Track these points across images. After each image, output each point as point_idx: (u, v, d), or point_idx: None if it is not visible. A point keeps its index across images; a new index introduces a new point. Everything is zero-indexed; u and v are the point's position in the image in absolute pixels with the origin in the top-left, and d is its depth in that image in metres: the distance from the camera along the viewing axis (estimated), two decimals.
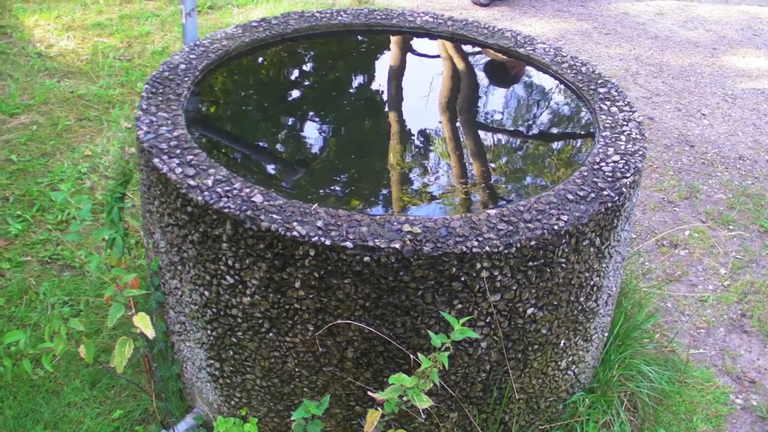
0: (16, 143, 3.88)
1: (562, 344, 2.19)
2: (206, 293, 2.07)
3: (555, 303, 2.06)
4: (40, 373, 2.61)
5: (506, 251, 1.87)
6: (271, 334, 2.02)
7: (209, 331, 2.14)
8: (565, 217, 1.96)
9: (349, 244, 1.81)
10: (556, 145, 2.52)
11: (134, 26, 5.38)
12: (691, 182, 4.05)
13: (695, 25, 6.34)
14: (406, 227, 1.87)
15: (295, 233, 1.84)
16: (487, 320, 1.97)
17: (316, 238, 1.83)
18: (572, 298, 2.10)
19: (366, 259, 1.82)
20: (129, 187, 3.38)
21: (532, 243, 1.89)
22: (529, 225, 1.92)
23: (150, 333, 1.97)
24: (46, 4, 5.57)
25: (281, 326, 1.99)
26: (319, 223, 1.87)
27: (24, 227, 3.32)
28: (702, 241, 3.58)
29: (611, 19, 6.37)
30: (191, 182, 1.98)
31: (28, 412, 2.50)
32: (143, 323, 1.97)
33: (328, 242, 1.82)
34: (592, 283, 2.14)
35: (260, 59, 2.81)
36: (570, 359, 2.27)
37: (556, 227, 1.93)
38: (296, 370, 2.06)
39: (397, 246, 1.81)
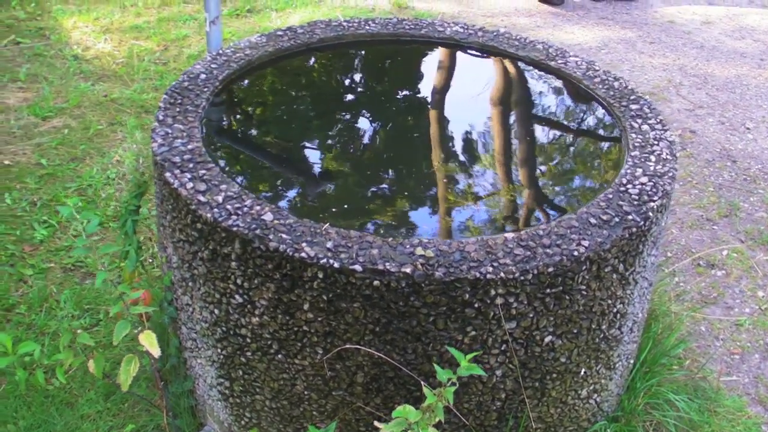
0: (47, 147, 3.88)
1: (582, 373, 2.10)
2: (216, 311, 2.03)
3: (575, 331, 1.98)
4: (56, 383, 2.59)
5: (522, 278, 1.79)
6: (279, 356, 1.97)
7: (219, 350, 2.10)
8: (586, 243, 1.88)
9: (358, 267, 1.75)
10: (582, 165, 2.43)
11: (171, 29, 5.38)
12: (732, 199, 3.92)
13: (743, 35, 6.18)
14: (419, 250, 1.81)
15: (303, 254, 1.78)
16: (502, 348, 1.90)
17: (325, 260, 1.77)
18: (593, 326, 2.02)
19: (375, 283, 1.76)
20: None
21: (550, 269, 1.82)
22: (548, 250, 1.84)
23: (155, 352, 1.93)
24: (86, 6, 5.60)
25: (290, 348, 1.94)
26: (329, 244, 1.81)
27: (49, 233, 3.32)
28: (740, 261, 3.46)
29: (656, 27, 6.23)
30: (201, 198, 1.94)
31: (41, 423, 2.47)
32: (149, 341, 1.93)
33: (336, 265, 1.76)
34: (615, 310, 2.06)
35: (283, 69, 2.76)
36: (591, 388, 2.18)
37: (575, 253, 1.85)
38: (305, 393, 2.01)
39: (408, 270, 1.75)
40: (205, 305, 2.05)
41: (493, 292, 1.79)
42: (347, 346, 1.87)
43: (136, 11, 5.63)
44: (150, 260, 3.11)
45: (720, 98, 5.05)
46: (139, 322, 2.21)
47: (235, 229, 1.85)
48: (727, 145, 4.44)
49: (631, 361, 2.40)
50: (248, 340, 1.99)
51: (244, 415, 2.18)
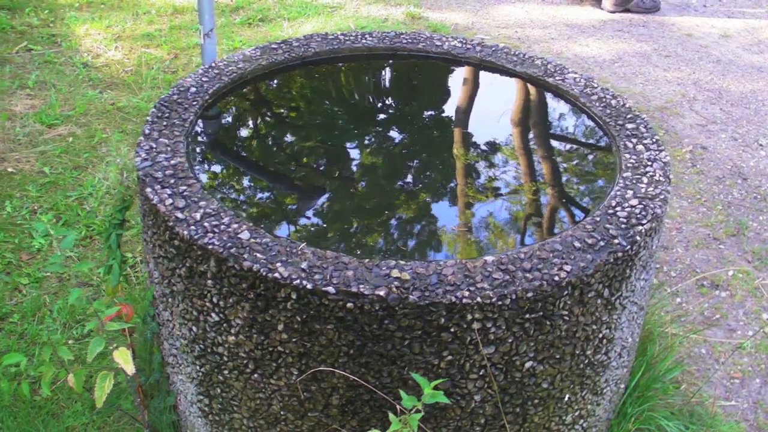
0: (51, 155, 3.89)
1: (566, 398, 2.06)
2: (194, 329, 2.00)
3: (557, 356, 1.93)
4: (43, 394, 2.58)
5: (500, 302, 1.75)
6: (256, 375, 1.94)
7: (198, 367, 2.08)
8: (568, 267, 1.84)
9: (331, 289, 1.72)
10: (571, 186, 2.39)
11: (182, 38, 5.38)
12: (741, 218, 3.85)
13: (761, 49, 6.09)
14: (395, 272, 1.78)
15: (276, 275, 1.75)
16: (481, 373, 1.86)
17: (298, 281, 1.74)
18: (577, 351, 1.98)
19: (349, 305, 1.73)
20: None
21: (529, 294, 1.78)
22: (528, 275, 1.80)
23: (129, 369, 1.91)
24: (98, 14, 5.62)
25: (265, 368, 1.91)
26: (304, 265, 1.78)
27: (47, 242, 3.31)
28: (746, 282, 3.40)
29: (673, 41, 6.16)
30: (179, 215, 1.92)
31: None
32: (123, 358, 1.91)
33: (310, 286, 1.73)
34: (600, 335, 2.01)
35: (276, 83, 2.74)
36: (577, 413, 2.14)
37: (557, 278, 1.81)
38: (281, 413, 1.98)
39: (382, 293, 1.72)
40: (184, 322, 2.03)
41: (469, 317, 1.75)
42: (322, 368, 1.84)
43: (148, 19, 5.64)
44: (143, 272, 3.10)
45: (734, 114, 4.98)
46: (120, 336, 2.20)
47: (210, 247, 1.82)
48: (738, 162, 4.37)
49: (622, 386, 2.35)
50: (225, 359, 1.97)
51: None
